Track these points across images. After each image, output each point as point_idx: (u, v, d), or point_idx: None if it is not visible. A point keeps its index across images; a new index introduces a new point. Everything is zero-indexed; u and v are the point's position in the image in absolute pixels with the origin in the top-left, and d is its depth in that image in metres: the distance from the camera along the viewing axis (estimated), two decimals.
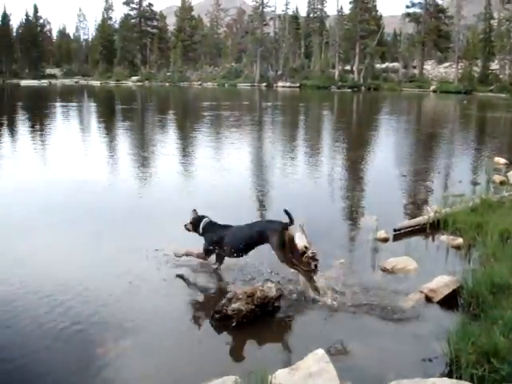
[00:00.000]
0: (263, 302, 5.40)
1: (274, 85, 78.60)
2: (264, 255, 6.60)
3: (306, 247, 6.88)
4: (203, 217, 6.81)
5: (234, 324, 5.22)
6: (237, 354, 5.02)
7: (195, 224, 6.77)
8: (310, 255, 6.76)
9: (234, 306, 5.22)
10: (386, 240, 7.98)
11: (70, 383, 4.51)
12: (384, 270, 6.82)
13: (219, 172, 14.16)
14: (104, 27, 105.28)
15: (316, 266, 6.72)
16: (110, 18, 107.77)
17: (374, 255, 7.42)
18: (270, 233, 6.13)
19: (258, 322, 5.36)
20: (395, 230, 8.27)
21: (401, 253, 7.27)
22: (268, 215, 9.46)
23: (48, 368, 4.70)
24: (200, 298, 6.06)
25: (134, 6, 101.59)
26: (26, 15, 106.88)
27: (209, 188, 11.88)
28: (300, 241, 7.08)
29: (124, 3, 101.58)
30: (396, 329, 5.31)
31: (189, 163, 15.65)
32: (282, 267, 6.45)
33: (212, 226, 6.71)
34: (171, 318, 5.61)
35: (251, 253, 6.52)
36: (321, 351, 4.37)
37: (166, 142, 20.46)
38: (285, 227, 6.05)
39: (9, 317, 5.52)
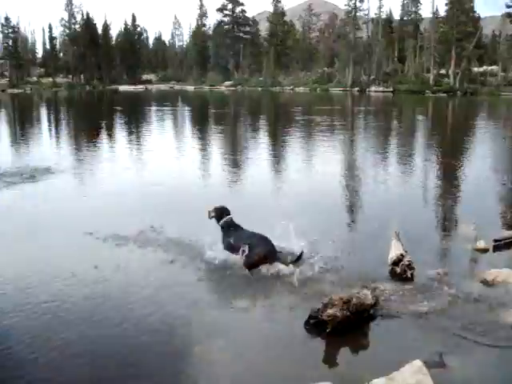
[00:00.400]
0: (359, 309, 5.34)
1: (367, 89, 77.67)
2: (359, 262, 6.54)
3: (401, 255, 6.73)
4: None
5: (328, 330, 5.19)
6: (331, 361, 4.99)
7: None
8: (407, 263, 6.61)
9: (330, 311, 5.18)
10: (485, 250, 7.67)
11: (167, 379, 4.65)
12: (484, 281, 6.54)
13: (311, 176, 14.17)
14: (198, 34, 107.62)
15: (412, 274, 6.57)
16: (204, 25, 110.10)
17: (472, 266, 7.17)
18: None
19: (353, 329, 5.30)
20: (495, 241, 7.92)
21: (502, 264, 6.94)
22: (359, 222, 9.39)
23: (149, 363, 4.86)
24: (294, 301, 6.02)
25: (227, 12, 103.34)
26: (125, 24, 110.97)
27: (300, 191, 11.89)
28: (395, 248, 6.95)
29: (218, 10, 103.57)
30: (498, 344, 5.06)
31: (281, 166, 15.73)
32: (378, 275, 6.40)
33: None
34: (264, 321, 5.65)
35: (347, 258, 6.50)
36: (418, 363, 4.27)
37: (258, 146, 20.66)
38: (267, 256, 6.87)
39: (105, 314, 5.75)
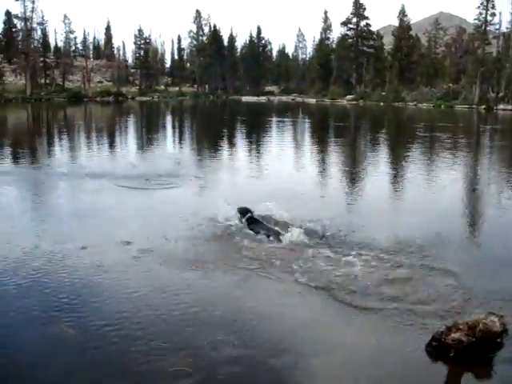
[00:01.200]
0: (485, 335, 5.10)
1: (494, 107, 74.39)
2: (486, 286, 6.27)
3: None
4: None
5: (451, 354, 5.01)
6: None
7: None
8: None
9: (455, 335, 4.99)
10: None
11: None
12: None
13: (430, 194, 13.77)
14: (321, 47, 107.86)
15: None
16: (328, 38, 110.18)
17: None
18: None
19: (478, 357, 5.08)
20: None
21: None
22: (483, 245, 9.02)
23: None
24: (417, 321, 5.84)
25: (351, 26, 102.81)
26: (250, 36, 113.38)
27: (419, 209, 11.56)
28: None
29: (342, 24, 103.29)
30: None
31: (399, 182, 15.41)
32: (506, 302, 6.11)
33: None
34: (385, 339, 5.55)
35: (473, 282, 6.28)
36: None
37: (378, 160, 20.38)
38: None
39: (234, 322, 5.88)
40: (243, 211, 9.33)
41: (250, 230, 8.98)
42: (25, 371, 4.98)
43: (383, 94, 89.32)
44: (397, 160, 21.06)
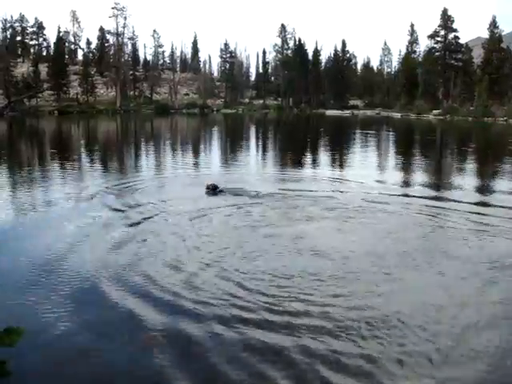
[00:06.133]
0: None
1: None
2: None
3: None
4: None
5: None
6: None
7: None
8: None
9: None
10: None
11: None
12: None
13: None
14: (407, 60, 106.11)
15: None
16: (414, 52, 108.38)
17: None
18: None
19: None
20: None
21: None
22: None
23: None
24: None
25: (439, 39, 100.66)
26: (335, 50, 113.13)
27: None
28: None
29: (429, 36, 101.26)
30: None
31: (488, 201, 14.76)
32: None
33: None
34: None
35: None
36: None
37: (464, 177, 19.80)
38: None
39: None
40: (213, 187, 13.78)
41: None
42: None
43: (472, 108, 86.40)
44: (483, 175, 20.39)
